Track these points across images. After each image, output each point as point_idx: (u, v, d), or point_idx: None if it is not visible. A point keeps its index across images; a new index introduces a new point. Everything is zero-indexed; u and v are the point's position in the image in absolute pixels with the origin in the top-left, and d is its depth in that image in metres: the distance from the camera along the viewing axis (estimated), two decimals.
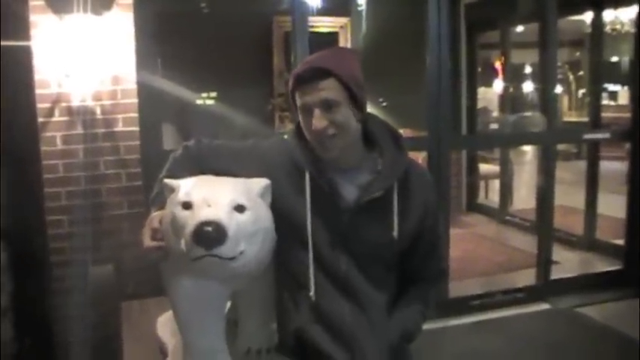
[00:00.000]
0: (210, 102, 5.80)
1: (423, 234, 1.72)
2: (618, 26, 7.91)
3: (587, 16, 7.74)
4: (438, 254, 1.83)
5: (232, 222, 1.40)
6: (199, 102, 5.71)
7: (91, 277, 2.97)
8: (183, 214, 1.44)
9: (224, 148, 1.72)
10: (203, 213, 1.39)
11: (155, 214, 1.57)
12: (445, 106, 3.68)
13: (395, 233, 1.64)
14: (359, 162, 1.67)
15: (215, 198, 1.43)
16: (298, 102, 1.60)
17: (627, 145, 7.14)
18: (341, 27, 6.43)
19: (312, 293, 1.63)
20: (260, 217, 1.51)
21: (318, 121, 1.55)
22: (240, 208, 1.44)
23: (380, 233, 1.64)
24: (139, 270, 3.13)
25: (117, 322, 2.42)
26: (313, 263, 1.63)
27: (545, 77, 4.20)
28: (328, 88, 1.56)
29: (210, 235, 1.36)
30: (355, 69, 1.61)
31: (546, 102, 4.19)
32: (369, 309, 1.65)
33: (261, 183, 1.57)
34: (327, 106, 1.56)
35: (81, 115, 3.01)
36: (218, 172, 1.62)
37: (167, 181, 1.56)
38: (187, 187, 1.49)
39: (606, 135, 4.54)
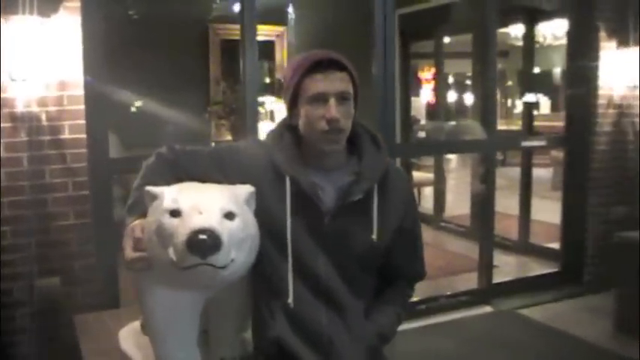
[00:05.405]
0: (145, 108, 5.67)
1: (403, 234, 1.73)
2: (541, 39, 8.25)
3: (512, 29, 8.07)
4: (418, 255, 1.83)
5: (225, 229, 1.37)
6: (137, 109, 5.60)
7: (38, 289, 2.85)
8: (171, 222, 1.40)
9: (199, 154, 1.67)
10: (195, 220, 1.36)
11: (136, 223, 1.50)
12: (390, 114, 3.77)
13: (374, 235, 1.64)
14: (341, 163, 1.67)
15: (205, 205, 1.40)
16: (309, 90, 1.55)
17: (552, 152, 7.52)
18: (277, 35, 6.41)
19: (290, 300, 1.61)
20: (247, 224, 1.48)
21: (336, 110, 1.53)
22: (229, 215, 1.41)
23: (360, 235, 1.64)
24: (88, 282, 3.04)
25: (72, 336, 2.32)
26: (292, 270, 1.61)
27: (484, 86, 4.34)
28: (345, 81, 1.57)
29: (206, 243, 1.33)
30: None
31: (485, 110, 4.32)
32: (348, 315, 1.64)
33: (246, 189, 1.54)
34: (343, 97, 1.55)
35: (26, 122, 2.88)
36: (194, 179, 1.58)
37: (149, 188, 1.50)
38: (173, 194, 1.45)
39: (542, 142, 4.72)
